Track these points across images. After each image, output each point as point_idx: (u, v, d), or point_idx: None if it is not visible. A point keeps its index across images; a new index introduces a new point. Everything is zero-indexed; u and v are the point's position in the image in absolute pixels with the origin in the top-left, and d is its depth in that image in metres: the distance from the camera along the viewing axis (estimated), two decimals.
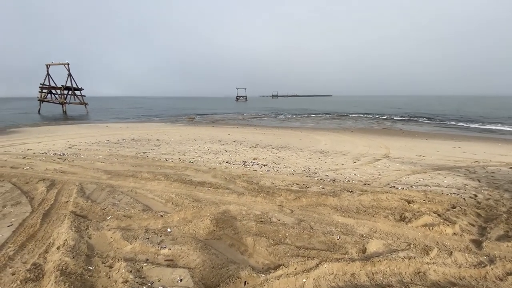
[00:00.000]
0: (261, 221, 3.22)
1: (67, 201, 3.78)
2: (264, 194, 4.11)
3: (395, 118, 28.06)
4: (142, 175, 5.19)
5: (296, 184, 4.83)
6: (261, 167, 6.15)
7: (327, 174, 5.62)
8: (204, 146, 9.10)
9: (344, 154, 8.20)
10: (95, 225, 3.09)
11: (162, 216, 3.35)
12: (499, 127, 20.09)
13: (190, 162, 6.55)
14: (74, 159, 6.68)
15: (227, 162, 6.60)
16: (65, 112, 33.24)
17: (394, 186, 4.79)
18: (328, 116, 31.43)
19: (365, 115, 31.43)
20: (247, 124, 21.37)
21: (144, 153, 7.71)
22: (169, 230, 3.02)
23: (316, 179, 5.24)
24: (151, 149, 8.34)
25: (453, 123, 23.36)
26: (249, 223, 3.12)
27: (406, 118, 27.75)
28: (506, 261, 2.50)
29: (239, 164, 6.36)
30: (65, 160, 6.53)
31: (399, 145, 10.29)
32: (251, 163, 6.49)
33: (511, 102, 69.33)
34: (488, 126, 20.51)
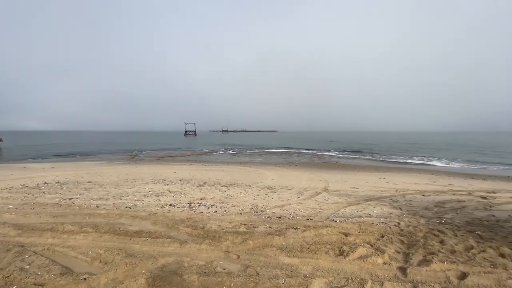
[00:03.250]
0: (205, 272, 3.01)
1: None
2: (210, 240, 3.90)
3: (333, 152, 31.10)
4: (65, 228, 4.43)
5: (244, 224, 4.75)
6: (208, 208, 5.92)
7: (273, 211, 5.72)
8: (145, 188, 8.38)
9: (290, 189, 8.55)
10: None
11: (85, 279, 2.84)
12: (415, 160, 23.99)
13: (126, 207, 5.90)
14: None
15: (170, 205, 6.17)
16: None
17: (333, 220, 5.13)
18: (275, 151, 32.95)
19: (308, 150, 34.01)
20: (195, 161, 20.78)
21: (70, 199, 6.67)
22: None
23: (263, 217, 5.26)
24: (80, 194, 7.29)
25: (380, 157, 27.00)
26: (191, 277, 2.87)
27: (343, 152, 31.04)
28: (427, 286, 2.82)
29: (184, 207, 6.01)
30: None
31: (336, 178, 11.27)
32: (197, 205, 6.20)
33: (426, 138, 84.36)
34: (409, 160, 24.30)
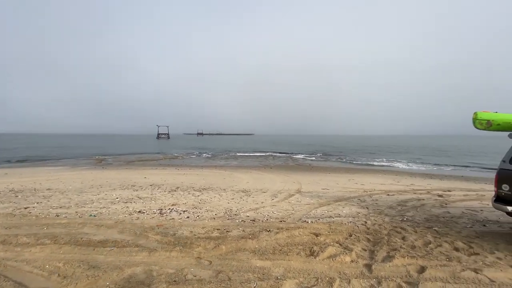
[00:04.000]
0: (175, 281, 2.91)
1: None
2: (181, 247, 3.79)
3: (307, 155, 31.99)
4: (19, 240, 4.05)
5: (217, 229, 4.69)
6: (180, 214, 5.75)
7: (248, 215, 5.72)
8: (112, 194, 7.92)
9: (264, 192, 8.61)
10: None
11: None
12: (383, 162, 25.46)
13: (91, 215, 5.53)
14: None
15: (139, 211, 5.89)
16: None
17: (305, 221, 5.26)
18: (251, 154, 33.05)
19: (283, 153, 34.61)
20: (168, 165, 20.12)
21: (25, 208, 6.10)
22: None
23: (237, 221, 5.24)
24: (38, 203, 6.69)
25: (350, 159, 28.29)
26: (160, 286, 2.76)
27: (316, 155, 32.06)
28: (390, 281, 2.99)
29: (155, 213, 5.78)
30: None
31: (309, 180, 11.59)
32: (169, 211, 6.00)
33: (392, 141, 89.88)
34: (376, 162, 25.71)
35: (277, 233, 4.42)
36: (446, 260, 3.49)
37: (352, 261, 3.46)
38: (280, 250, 3.79)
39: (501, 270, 3.20)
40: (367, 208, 6.36)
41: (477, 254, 3.70)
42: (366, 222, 5.16)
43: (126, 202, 6.83)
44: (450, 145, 55.33)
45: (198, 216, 5.59)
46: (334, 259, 3.47)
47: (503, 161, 4.40)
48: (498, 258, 3.56)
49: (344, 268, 3.27)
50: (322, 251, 3.67)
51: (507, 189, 4.22)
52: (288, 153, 34.46)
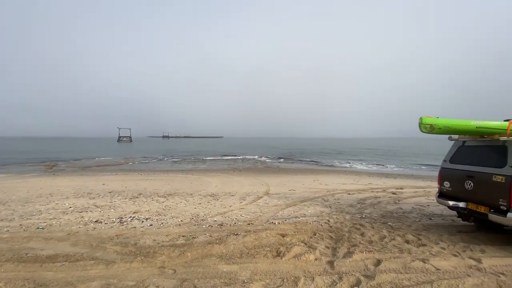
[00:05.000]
0: None
1: None
2: (142, 257, 3.59)
3: (276, 157, 32.61)
4: None
5: (183, 236, 4.53)
6: (142, 222, 5.44)
7: (215, 219, 5.63)
8: (64, 203, 7.21)
9: (232, 195, 8.56)
10: None
11: None
12: (345, 164, 26.96)
13: (38, 228, 4.97)
14: None
15: (96, 221, 5.45)
16: None
17: (272, 222, 5.35)
18: (220, 157, 32.66)
19: (253, 156, 34.81)
20: (130, 170, 18.95)
21: None
22: None
23: (204, 226, 5.12)
24: None
25: (315, 160, 29.51)
26: None
27: (285, 157, 32.84)
28: (349, 275, 3.17)
29: (114, 222, 5.39)
30: None
31: (277, 182, 11.83)
32: (130, 219, 5.64)
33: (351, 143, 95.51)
34: (338, 163, 27.15)
35: (244, 236, 4.42)
36: (399, 252, 3.81)
37: (316, 259, 3.60)
38: (248, 253, 3.79)
39: (445, 259, 3.58)
40: (330, 207, 6.69)
41: (425, 245, 4.11)
42: (329, 221, 5.41)
43: (80, 212, 6.27)
44: (406, 146, 60.86)
45: (162, 223, 5.34)
46: (299, 258, 3.58)
47: (445, 160, 4.97)
48: (442, 248, 3.99)
49: (309, 267, 3.39)
50: (288, 251, 3.76)
51: (448, 186, 4.77)
52: (257, 156, 34.77)
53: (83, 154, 35.66)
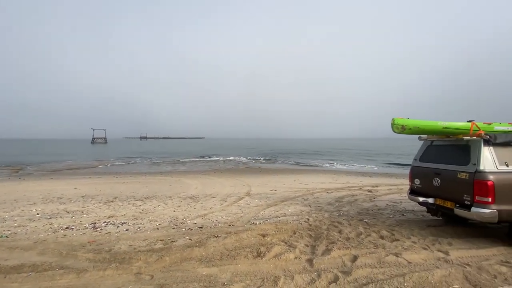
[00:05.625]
0: None
1: None
2: (117, 264, 3.43)
3: (257, 158, 32.71)
4: None
5: (161, 240, 4.40)
6: (117, 227, 5.21)
7: (195, 222, 5.52)
8: (31, 209, 6.71)
9: (213, 197, 8.46)
10: None
11: None
12: (325, 163, 27.62)
13: (2, 237, 4.58)
14: None
15: (67, 228, 5.13)
16: None
17: (253, 223, 5.35)
18: (201, 158, 32.16)
19: (234, 156, 34.66)
20: (105, 172, 18.10)
21: None
22: None
23: (183, 229, 5.01)
24: None
25: (296, 160, 29.99)
26: None
27: (266, 158, 33.04)
28: (328, 272, 3.24)
29: (86, 228, 5.11)
30: None
31: (258, 182, 11.86)
32: (104, 224, 5.38)
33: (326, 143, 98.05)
34: (318, 163, 27.77)
35: (225, 238, 4.38)
36: (374, 248, 3.97)
37: (295, 257, 3.65)
38: (228, 254, 3.76)
39: (416, 253, 3.78)
40: (310, 206, 6.82)
41: (398, 240, 4.31)
42: (308, 219, 5.52)
43: (49, 218, 5.88)
44: (381, 146, 63.62)
45: (139, 227, 5.15)
46: (279, 257, 3.61)
47: (415, 159, 5.25)
48: (413, 242, 4.21)
49: (289, 266, 3.43)
50: (268, 251, 3.78)
51: (418, 183, 5.05)
52: (239, 157, 34.68)
53: (54, 156, 33.53)
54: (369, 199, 7.74)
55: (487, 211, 3.73)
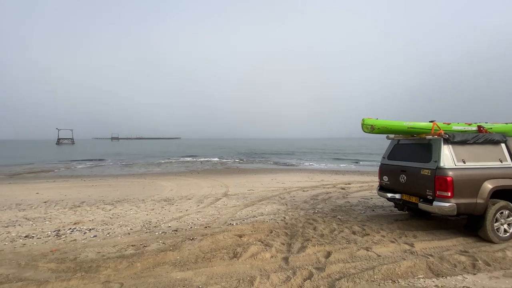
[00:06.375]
0: None
1: None
2: (83, 273, 3.21)
3: (235, 158, 32.55)
4: None
5: (132, 245, 4.20)
6: (84, 233, 4.89)
7: (169, 225, 5.35)
8: None
9: (189, 198, 8.26)
10: None
11: None
12: (301, 162, 28.18)
13: None
14: None
15: (26, 236, 4.72)
16: None
17: (230, 224, 5.31)
18: (177, 159, 31.26)
19: (212, 157, 34.14)
20: (71, 176, 16.92)
21: None
22: None
23: (157, 233, 4.82)
24: None
25: (274, 160, 30.30)
26: None
27: (242, 158, 32.97)
28: (303, 269, 3.30)
29: (49, 236, 4.73)
30: None
31: (236, 182, 11.81)
32: (69, 231, 5.02)
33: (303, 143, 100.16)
34: (294, 162, 28.26)
35: (201, 240, 4.29)
36: (346, 243, 4.12)
37: (272, 256, 3.68)
38: (203, 257, 3.69)
39: (384, 246, 3.99)
40: (286, 204, 6.92)
41: (368, 234, 4.52)
42: (284, 218, 5.59)
43: (6, 227, 5.36)
44: (353, 145, 66.43)
45: (108, 233, 4.87)
46: (255, 257, 3.61)
47: (383, 157, 5.54)
48: (382, 236, 4.44)
49: (265, 265, 3.44)
50: (245, 252, 3.76)
51: (386, 180, 5.32)
52: (217, 157, 34.25)
53: (13, 159, 30.68)
54: (342, 196, 8.03)
55: (447, 204, 4.03)
